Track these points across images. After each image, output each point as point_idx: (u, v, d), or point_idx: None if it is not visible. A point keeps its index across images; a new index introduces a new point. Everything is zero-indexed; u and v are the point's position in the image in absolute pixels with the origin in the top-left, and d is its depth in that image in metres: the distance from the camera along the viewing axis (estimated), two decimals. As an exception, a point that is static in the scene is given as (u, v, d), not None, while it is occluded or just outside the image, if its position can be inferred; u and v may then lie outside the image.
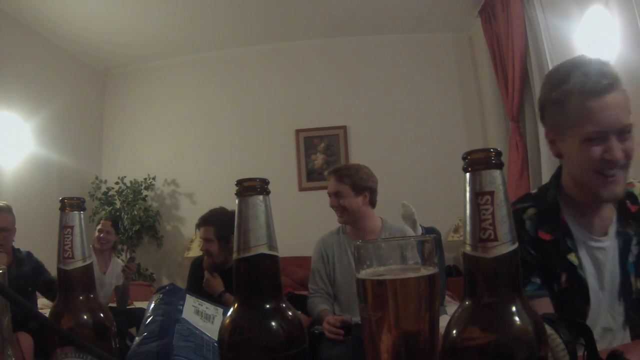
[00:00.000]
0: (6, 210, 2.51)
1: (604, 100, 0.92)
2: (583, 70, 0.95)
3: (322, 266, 2.11)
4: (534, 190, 1.16)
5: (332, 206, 2.09)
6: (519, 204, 1.09)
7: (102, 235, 3.15)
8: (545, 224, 1.04)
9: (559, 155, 1.05)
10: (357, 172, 2.09)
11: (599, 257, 1.01)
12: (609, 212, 1.04)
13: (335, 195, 2.07)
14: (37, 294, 2.67)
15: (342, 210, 2.06)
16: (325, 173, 2.20)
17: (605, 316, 0.99)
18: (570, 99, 0.95)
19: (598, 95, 0.92)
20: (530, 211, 1.07)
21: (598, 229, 1.03)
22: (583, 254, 1.02)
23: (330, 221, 2.31)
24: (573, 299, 1.00)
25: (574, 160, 0.99)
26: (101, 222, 3.27)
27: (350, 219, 2.08)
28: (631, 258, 0.99)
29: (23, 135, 3.81)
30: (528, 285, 0.99)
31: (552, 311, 0.97)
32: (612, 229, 1.02)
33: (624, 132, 0.93)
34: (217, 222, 2.22)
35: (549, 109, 1.02)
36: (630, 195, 1.04)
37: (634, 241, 1.00)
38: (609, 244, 1.01)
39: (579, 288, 0.99)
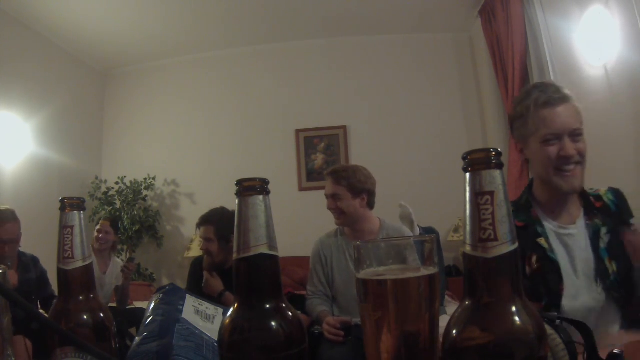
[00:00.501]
0: (12, 219, 2.39)
1: (556, 110, 1.14)
2: (540, 89, 1.18)
3: (320, 268, 2.10)
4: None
5: (330, 209, 2.07)
6: None
7: (100, 235, 3.14)
8: (518, 216, 1.23)
9: (527, 160, 1.26)
10: (355, 174, 2.05)
11: (568, 242, 1.18)
12: (576, 209, 1.22)
13: (333, 197, 2.04)
14: None
15: (339, 212, 2.03)
16: (325, 173, 2.18)
17: (585, 298, 1.12)
18: (529, 111, 1.18)
19: (551, 106, 1.15)
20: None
21: (566, 221, 1.21)
22: (553, 239, 1.18)
23: (330, 221, 2.31)
24: (547, 280, 1.14)
25: (537, 161, 1.20)
26: (100, 222, 3.26)
27: (348, 222, 2.06)
28: (602, 244, 1.15)
29: (23, 135, 3.81)
30: None
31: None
32: (580, 221, 1.20)
33: (575, 135, 1.14)
34: (217, 222, 2.22)
35: (516, 123, 1.24)
36: (596, 196, 1.24)
37: (604, 230, 1.17)
38: (577, 232, 1.18)
39: (550, 269, 1.15)
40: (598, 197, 1.23)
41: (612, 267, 1.13)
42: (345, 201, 2.02)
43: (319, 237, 2.19)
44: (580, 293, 1.13)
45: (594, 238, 1.16)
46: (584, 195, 1.23)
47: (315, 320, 2.04)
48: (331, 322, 1.89)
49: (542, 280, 1.15)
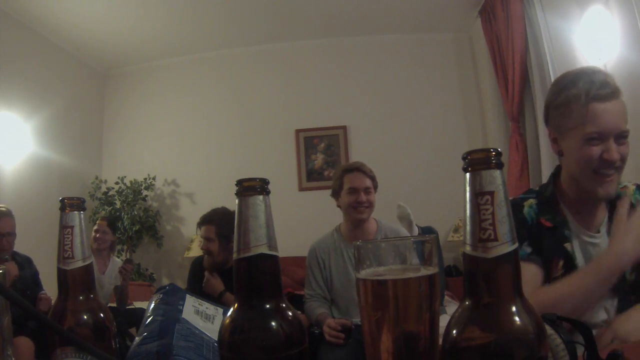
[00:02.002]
0: (8, 215, 2.51)
1: (606, 106, 1.01)
2: (589, 78, 1.04)
3: (317, 271, 2.10)
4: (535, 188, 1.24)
5: (359, 202, 2.04)
6: (522, 195, 1.19)
7: (97, 235, 3.14)
8: (546, 212, 1.13)
9: (559, 153, 1.13)
10: (370, 168, 2.13)
11: (591, 251, 1.10)
12: (601, 212, 1.12)
13: (365, 191, 2.06)
14: None
15: (367, 205, 2.06)
16: (352, 169, 2.15)
17: (600, 311, 1.05)
18: (576, 102, 1.03)
19: (601, 101, 1.01)
20: (532, 201, 1.16)
21: (590, 226, 1.12)
22: (576, 246, 1.10)
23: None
24: None
25: (574, 158, 1.07)
26: (97, 222, 3.26)
27: (369, 215, 2.09)
28: None
29: (23, 135, 3.81)
30: (520, 251, 1.02)
31: (540, 278, 1.07)
32: (604, 228, 1.11)
33: (621, 137, 1.02)
34: (218, 222, 2.22)
35: (554, 110, 1.11)
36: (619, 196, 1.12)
37: None
38: (601, 241, 1.09)
39: None
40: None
41: (630, 277, 1.05)
42: (372, 194, 2.08)
43: (314, 242, 2.17)
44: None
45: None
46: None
47: (314, 323, 2.03)
48: (332, 325, 1.89)
49: None
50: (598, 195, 1.05)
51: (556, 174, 1.18)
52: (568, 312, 0.80)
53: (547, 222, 1.12)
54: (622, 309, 1.03)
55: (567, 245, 1.09)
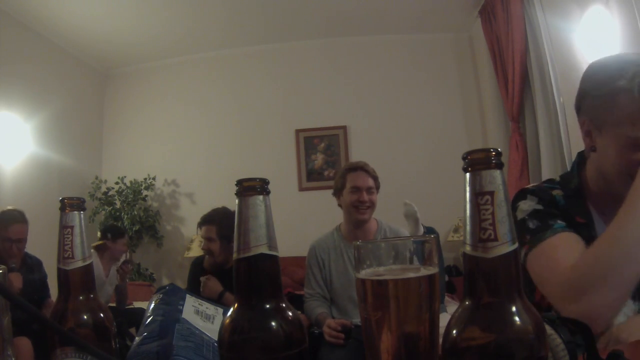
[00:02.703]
0: (21, 221, 2.47)
1: None
2: (637, 69, 0.89)
3: (317, 271, 2.10)
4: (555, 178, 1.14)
5: (361, 201, 2.04)
6: (545, 184, 1.10)
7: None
8: (574, 207, 1.02)
9: (592, 148, 1.00)
10: (374, 170, 2.13)
11: None
12: None
13: (368, 190, 2.06)
14: None
15: (369, 205, 2.05)
16: (354, 168, 2.14)
17: (619, 316, 0.97)
18: (626, 95, 0.88)
19: None
20: (558, 192, 1.06)
21: None
22: None
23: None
24: None
25: (610, 157, 0.94)
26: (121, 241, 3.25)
27: (370, 216, 2.08)
28: None
29: (23, 135, 3.81)
30: (555, 224, 0.97)
31: (583, 247, 0.94)
32: None
33: None
34: (219, 222, 2.22)
35: (593, 101, 0.97)
36: None
37: None
38: None
39: None
40: None
41: None
42: (374, 195, 2.08)
43: (314, 241, 2.17)
44: None
45: None
46: None
47: (313, 323, 2.03)
48: (332, 325, 1.89)
49: None
50: None
51: (580, 163, 1.05)
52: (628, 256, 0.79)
53: (581, 219, 1.00)
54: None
55: None
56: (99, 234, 3.37)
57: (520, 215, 1.04)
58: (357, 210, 2.04)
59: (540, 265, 0.96)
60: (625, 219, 0.85)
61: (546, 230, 0.97)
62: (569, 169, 1.14)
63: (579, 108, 1.03)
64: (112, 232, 3.28)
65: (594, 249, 0.87)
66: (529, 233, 0.99)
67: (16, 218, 2.45)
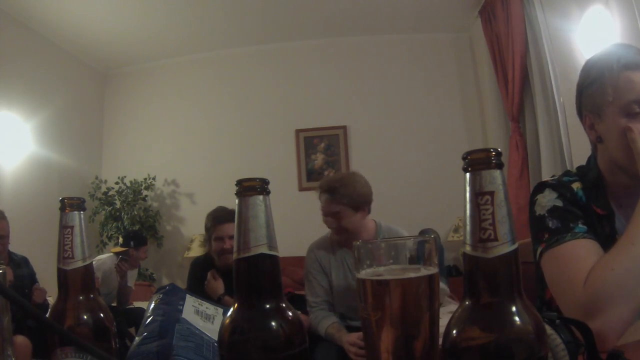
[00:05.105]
0: (2, 217, 2.44)
1: None
2: (619, 50, 0.97)
3: (321, 276, 1.98)
4: (571, 170, 1.13)
5: (330, 227, 1.87)
6: (564, 177, 1.08)
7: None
8: (596, 199, 1.01)
9: (598, 139, 1.01)
10: (354, 187, 1.82)
11: None
12: None
13: (333, 215, 1.83)
14: None
15: (340, 230, 1.84)
16: (318, 189, 1.91)
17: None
18: (611, 71, 0.94)
19: (637, 68, 0.92)
20: (578, 184, 1.05)
21: None
22: None
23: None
24: None
25: (614, 138, 0.95)
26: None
27: (350, 237, 1.87)
28: None
29: (23, 135, 3.81)
30: (576, 228, 0.94)
31: (600, 254, 0.93)
32: None
33: None
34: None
35: (588, 90, 1.01)
36: None
37: None
38: None
39: None
40: None
41: None
42: (346, 219, 1.81)
43: (312, 244, 2.05)
44: None
45: None
46: None
47: (324, 336, 1.85)
48: (357, 342, 1.68)
49: None
50: None
51: (596, 157, 1.06)
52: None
53: (599, 210, 0.99)
54: None
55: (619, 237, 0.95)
56: (120, 239, 3.34)
57: (539, 211, 1.01)
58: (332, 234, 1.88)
59: (556, 269, 0.93)
60: (637, 232, 0.85)
61: (566, 232, 0.94)
62: (569, 169, 1.14)
63: (579, 107, 1.06)
64: (135, 239, 3.25)
65: (610, 262, 0.84)
66: (547, 232, 0.97)
67: None
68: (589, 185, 1.03)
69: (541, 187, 1.06)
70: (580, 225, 0.96)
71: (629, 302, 0.81)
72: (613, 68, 0.94)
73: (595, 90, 0.98)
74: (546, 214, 0.99)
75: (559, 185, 1.04)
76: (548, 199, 1.01)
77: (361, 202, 1.83)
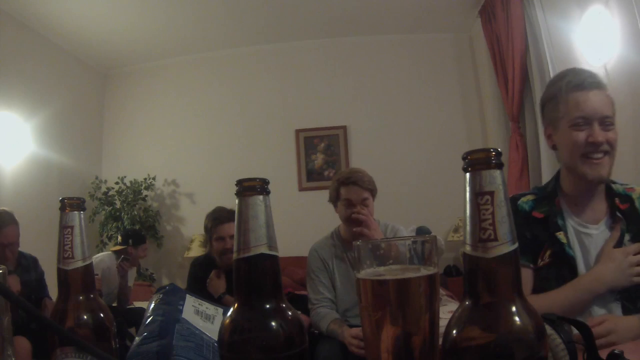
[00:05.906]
0: (11, 222, 2.31)
1: (587, 94, 1.11)
2: (574, 72, 1.17)
3: (324, 274, 2.00)
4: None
5: (356, 219, 1.86)
6: (521, 193, 1.27)
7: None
8: (541, 206, 1.20)
9: (554, 147, 1.22)
10: (369, 176, 1.97)
11: (584, 241, 1.14)
12: (600, 205, 1.17)
13: (363, 202, 1.89)
14: None
15: (364, 221, 1.86)
16: (344, 181, 1.96)
17: (599, 310, 1.06)
18: (561, 93, 1.15)
19: (583, 89, 1.12)
20: (529, 197, 1.24)
21: (589, 219, 1.16)
22: (571, 235, 1.15)
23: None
24: (562, 275, 1.11)
25: (564, 146, 1.16)
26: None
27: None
28: None
29: (23, 135, 3.81)
30: None
31: (530, 282, 1.14)
32: (603, 222, 1.14)
33: (605, 123, 1.11)
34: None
35: (547, 106, 1.21)
36: (624, 196, 1.15)
37: (627, 237, 1.09)
38: (597, 234, 1.13)
39: (567, 265, 1.11)
40: (626, 198, 1.14)
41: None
42: (371, 206, 1.92)
43: (314, 244, 2.08)
44: (593, 303, 1.06)
45: (616, 244, 1.07)
46: (609, 195, 1.16)
47: (326, 333, 1.87)
48: (360, 335, 1.68)
49: (556, 275, 1.11)
50: (588, 177, 1.11)
51: (559, 173, 1.24)
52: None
53: (539, 214, 1.19)
54: (624, 307, 1.05)
55: (560, 235, 1.14)
56: (119, 238, 3.34)
57: None
58: (353, 224, 1.90)
59: None
60: (558, 296, 1.06)
61: None
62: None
63: (542, 116, 1.26)
64: (134, 238, 3.25)
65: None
66: None
67: (5, 221, 2.27)
68: (544, 194, 1.22)
69: None
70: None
71: None
72: (562, 90, 1.15)
73: (552, 108, 1.19)
74: None
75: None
76: None
77: (376, 190, 1.96)
